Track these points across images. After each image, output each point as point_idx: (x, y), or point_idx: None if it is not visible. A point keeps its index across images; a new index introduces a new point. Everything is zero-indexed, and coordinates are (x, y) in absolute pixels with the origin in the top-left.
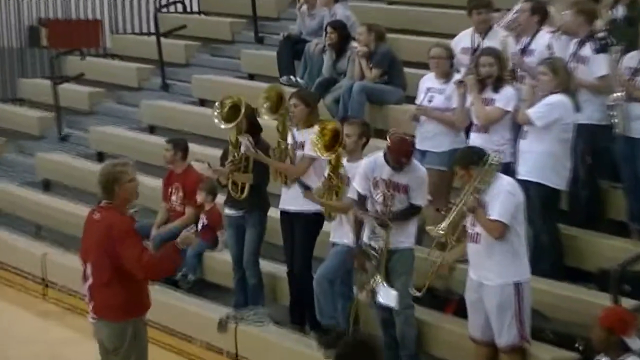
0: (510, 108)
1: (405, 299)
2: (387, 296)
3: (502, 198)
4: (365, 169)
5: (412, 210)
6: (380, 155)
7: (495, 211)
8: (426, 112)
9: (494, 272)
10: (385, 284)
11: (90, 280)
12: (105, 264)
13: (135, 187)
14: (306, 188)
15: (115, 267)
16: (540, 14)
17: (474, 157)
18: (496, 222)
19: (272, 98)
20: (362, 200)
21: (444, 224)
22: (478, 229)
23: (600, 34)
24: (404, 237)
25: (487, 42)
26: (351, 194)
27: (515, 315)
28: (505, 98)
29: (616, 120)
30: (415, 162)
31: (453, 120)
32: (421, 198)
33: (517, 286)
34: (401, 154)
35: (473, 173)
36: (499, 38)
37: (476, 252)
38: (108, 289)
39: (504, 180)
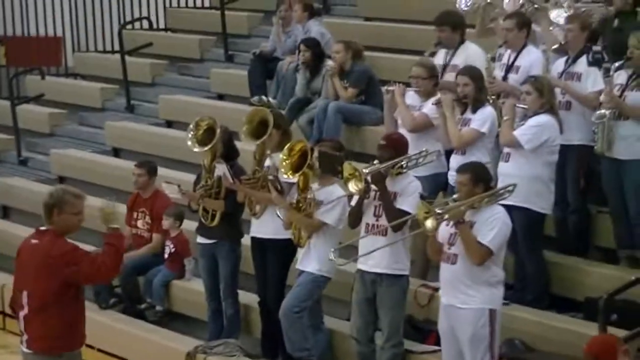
0: (484, 130)
1: (395, 337)
2: None
3: (499, 227)
4: None
5: (400, 214)
6: None
7: (488, 237)
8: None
9: (470, 297)
10: None
11: (25, 310)
12: (42, 292)
13: (76, 222)
14: (279, 191)
15: (58, 294)
16: (527, 28)
17: (487, 177)
18: (484, 247)
19: (254, 122)
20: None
21: (430, 224)
22: (455, 249)
23: (597, 48)
24: (394, 260)
25: (455, 59)
26: (326, 219)
27: (490, 347)
28: (481, 119)
29: (597, 139)
30: (409, 172)
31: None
32: (408, 205)
33: (492, 314)
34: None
35: (478, 191)
36: (473, 52)
37: (452, 274)
38: (43, 319)
39: (499, 208)
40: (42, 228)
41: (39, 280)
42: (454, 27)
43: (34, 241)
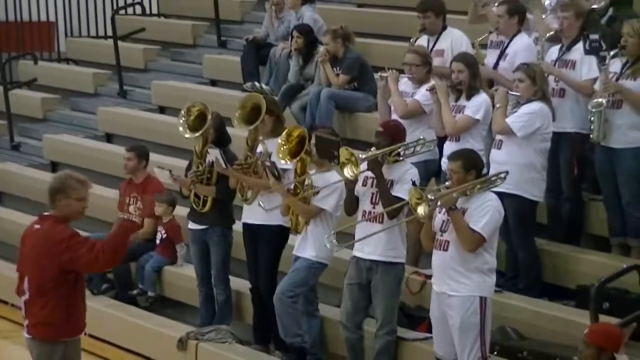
0: (479, 116)
1: (389, 325)
2: None
3: (490, 214)
4: None
5: (396, 201)
6: None
7: (480, 224)
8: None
9: (461, 284)
10: None
11: (26, 295)
12: (44, 278)
13: (80, 208)
14: (276, 177)
15: (56, 281)
16: (519, 14)
17: (479, 164)
18: (476, 234)
19: (247, 108)
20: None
21: (422, 210)
22: (447, 236)
23: (593, 36)
24: (390, 247)
25: (440, 44)
26: (323, 206)
27: (480, 335)
28: (475, 106)
29: (592, 127)
30: (406, 160)
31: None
32: (404, 192)
33: (483, 301)
34: (395, 138)
35: (469, 178)
36: (457, 38)
37: (443, 261)
38: (42, 305)
39: (491, 195)
40: (46, 213)
41: (38, 265)
42: (437, 12)
43: (36, 226)
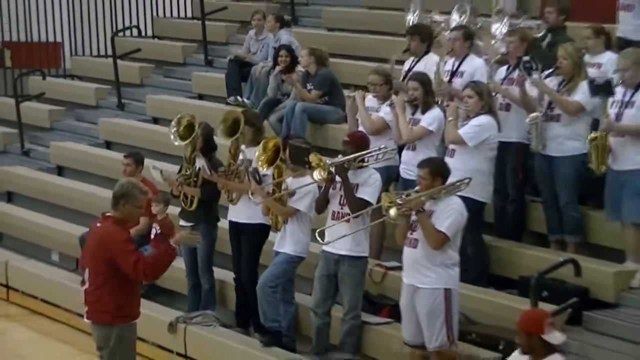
0: (432, 128)
1: (354, 311)
2: None
3: (454, 216)
4: None
5: (360, 202)
6: None
7: (445, 225)
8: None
9: (428, 277)
10: None
11: (86, 285)
12: (98, 271)
13: (137, 214)
14: (258, 182)
15: (108, 274)
16: (471, 40)
17: (445, 171)
18: (441, 233)
19: (229, 122)
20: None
21: (393, 213)
22: (416, 235)
23: (526, 58)
24: (356, 243)
25: (418, 66)
26: (298, 206)
27: (445, 321)
28: (429, 118)
29: (532, 138)
30: (370, 166)
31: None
32: (368, 194)
33: (447, 292)
34: (360, 147)
35: (436, 183)
36: (432, 61)
37: (412, 257)
38: (99, 295)
39: (456, 199)
40: (107, 214)
41: (94, 260)
42: (423, 38)
43: (98, 224)
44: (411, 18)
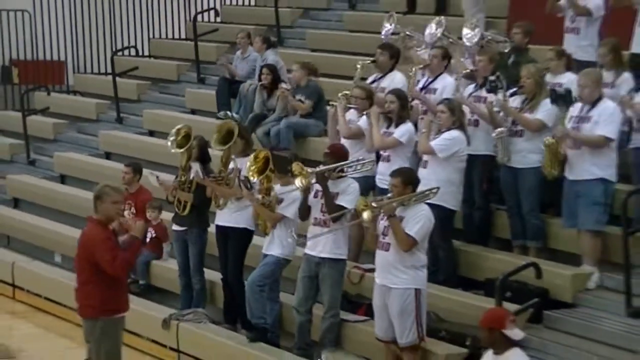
0: (403, 140)
1: (334, 309)
2: None
3: (423, 222)
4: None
5: (339, 208)
6: None
7: (414, 229)
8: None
9: (399, 278)
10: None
11: (76, 283)
12: (83, 269)
13: (114, 209)
14: (248, 188)
15: (92, 271)
16: (448, 59)
17: (415, 180)
18: (410, 237)
19: (222, 132)
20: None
21: (367, 215)
22: (388, 239)
23: (492, 77)
24: (336, 246)
25: (383, 82)
26: (285, 213)
27: (415, 319)
28: (401, 131)
29: (498, 151)
30: (349, 177)
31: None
32: (346, 202)
33: (417, 292)
34: (339, 158)
35: (407, 191)
36: (397, 79)
37: (384, 259)
38: (85, 291)
39: (425, 206)
40: (92, 217)
41: (79, 259)
42: (391, 55)
43: (85, 227)
44: (389, 27)
